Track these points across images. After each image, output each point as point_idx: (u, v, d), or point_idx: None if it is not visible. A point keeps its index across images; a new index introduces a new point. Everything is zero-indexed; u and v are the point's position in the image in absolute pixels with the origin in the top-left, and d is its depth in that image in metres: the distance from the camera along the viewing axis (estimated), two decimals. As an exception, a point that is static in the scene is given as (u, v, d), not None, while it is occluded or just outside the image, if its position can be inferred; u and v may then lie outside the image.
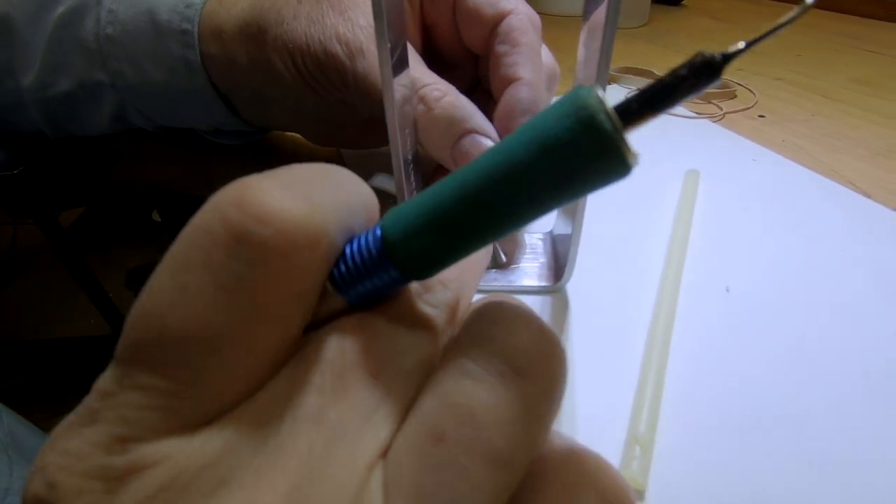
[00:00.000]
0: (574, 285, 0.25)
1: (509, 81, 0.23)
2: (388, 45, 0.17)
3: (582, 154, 0.09)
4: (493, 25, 0.24)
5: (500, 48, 0.24)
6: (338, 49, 0.24)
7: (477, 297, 0.17)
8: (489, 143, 0.22)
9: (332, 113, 0.29)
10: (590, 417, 0.20)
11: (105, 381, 0.09)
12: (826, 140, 0.39)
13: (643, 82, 0.47)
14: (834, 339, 0.23)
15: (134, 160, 0.46)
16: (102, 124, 0.37)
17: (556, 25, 0.68)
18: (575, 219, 0.22)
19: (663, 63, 0.53)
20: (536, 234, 0.28)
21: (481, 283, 0.25)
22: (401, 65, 0.20)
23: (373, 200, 0.12)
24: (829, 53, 0.56)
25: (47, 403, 1.41)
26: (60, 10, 0.32)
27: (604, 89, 0.18)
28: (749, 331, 0.23)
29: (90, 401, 0.09)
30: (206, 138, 0.38)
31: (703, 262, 0.27)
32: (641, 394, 0.20)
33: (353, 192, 0.11)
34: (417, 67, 0.23)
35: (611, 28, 0.18)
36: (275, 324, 0.09)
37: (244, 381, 0.09)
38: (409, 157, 0.22)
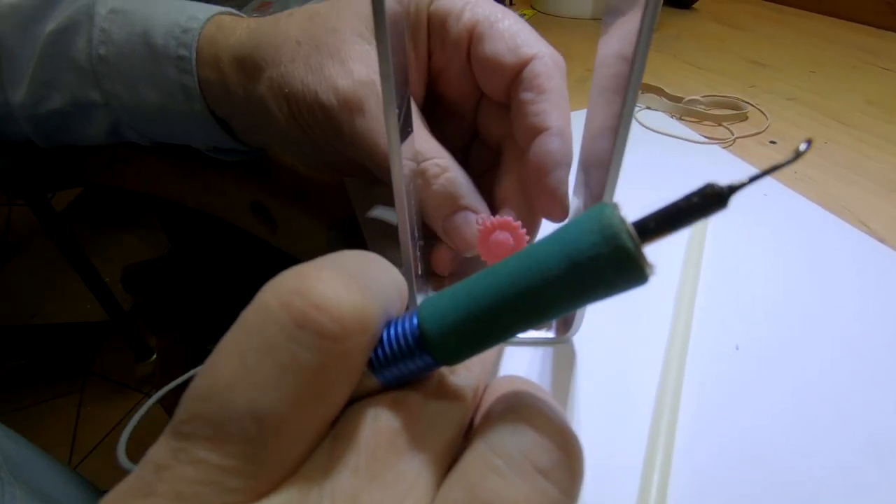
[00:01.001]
0: (579, 335, 0.24)
1: (538, 131, 0.22)
2: (397, 112, 0.16)
3: (606, 268, 0.10)
4: (515, 73, 0.23)
5: (526, 96, 0.22)
6: (335, 104, 0.23)
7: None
8: (473, 219, 0.22)
9: (326, 154, 0.28)
10: (598, 480, 0.19)
11: (159, 453, 0.10)
12: (839, 171, 0.38)
13: (654, 100, 0.45)
14: (847, 398, 0.22)
15: (126, 168, 0.45)
16: (96, 138, 0.36)
17: (559, 28, 0.67)
18: None
19: (673, 77, 0.52)
20: None
21: None
22: (406, 128, 0.18)
23: (404, 285, 0.13)
24: (844, 70, 0.54)
25: (43, 387, 1.41)
26: (51, 26, 0.31)
27: (631, 112, 0.17)
28: (759, 390, 0.23)
29: (144, 472, 0.10)
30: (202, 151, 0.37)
31: (712, 315, 0.26)
32: (651, 458, 0.20)
33: (391, 278, 0.13)
34: (419, 134, 0.22)
35: (644, 43, 0.15)
36: (327, 403, 0.10)
37: (294, 458, 0.10)
38: (415, 223, 0.21)
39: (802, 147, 0.11)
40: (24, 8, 0.31)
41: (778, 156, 0.40)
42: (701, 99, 0.46)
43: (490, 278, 0.11)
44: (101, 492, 0.43)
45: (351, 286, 0.10)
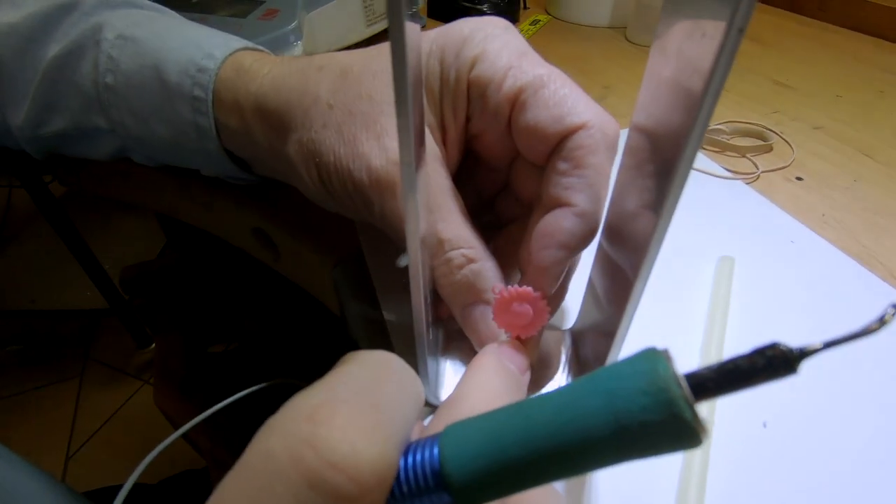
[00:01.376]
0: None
1: (559, 205, 0.20)
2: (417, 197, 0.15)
3: (659, 434, 0.09)
4: (557, 141, 0.21)
5: (561, 166, 0.20)
6: (367, 183, 0.22)
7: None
8: (491, 315, 0.21)
9: (353, 216, 0.27)
10: None
11: None
12: (869, 217, 0.36)
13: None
14: (885, 478, 0.21)
15: (126, 182, 0.43)
16: (100, 158, 0.35)
17: (575, 35, 0.64)
18: (620, 325, 0.19)
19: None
20: (553, 328, 0.26)
21: None
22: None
23: (423, 396, 0.13)
24: (872, 96, 0.52)
25: (43, 372, 1.41)
26: (54, 50, 0.29)
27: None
28: (788, 470, 0.21)
29: None
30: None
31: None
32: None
33: (408, 393, 0.12)
34: (450, 219, 0.21)
35: (720, 77, 0.12)
36: None
37: None
38: (429, 304, 0.20)
39: (890, 312, 0.10)
40: (21, 28, 0.29)
41: (806, 195, 0.38)
42: (724, 128, 0.44)
43: (524, 424, 0.10)
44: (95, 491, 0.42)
45: (369, 433, 0.10)
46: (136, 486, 0.64)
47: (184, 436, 0.70)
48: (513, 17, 0.68)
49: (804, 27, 0.70)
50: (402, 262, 0.30)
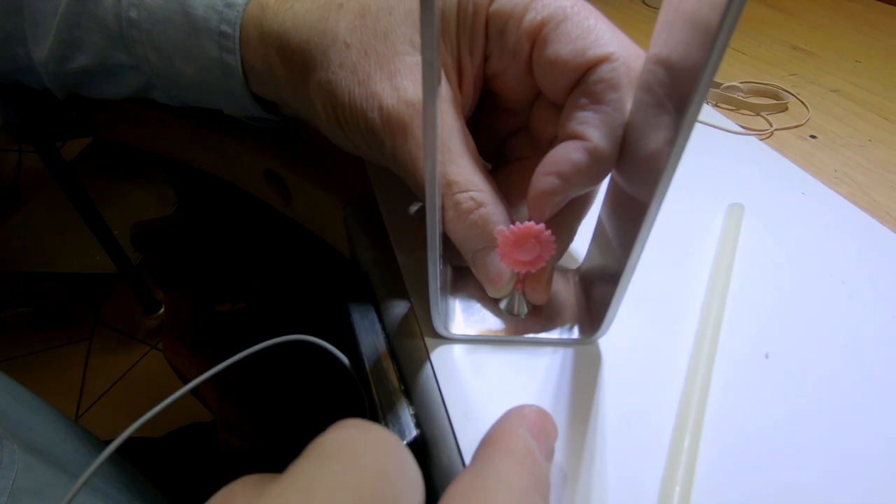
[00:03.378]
0: (605, 337, 0.23)
1: (572, 137, 0.20)
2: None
3: None
4: (579, 75, 0.20)
5: (580, 101, 0.20)
6: (378, 122, 0.22)
7: (496, 349, 0.22)
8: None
9: (367, 156, 0.27)
10: (618, 486, 0.19)
11: None
12: (881, 174, 0.36)
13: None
14: (882, 411, 0.21)
15: (138, 127, 0.43)
16: (122, 96, 0.35)
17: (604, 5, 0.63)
18: (626, 266, 0.19)
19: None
20: (562, 270, 0.26)
21: (500, 335, 0.23)
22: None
23: (422, 492, 0.13)
24: (893, 64, 0.51)
25: (52, 334, 1.43)
26: None
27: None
28: (788, 400, 0.22)
29: None
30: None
31: (742, 321, 0.25)
32: (674, 465, 0.19)
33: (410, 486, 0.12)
34: (460, 162, 0.21)
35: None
36: None
37: None
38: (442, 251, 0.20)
39: None
40: None
41: (819, 153, 0.38)
42: (740, 85, 0.44)
43: None
44: (104, 443, 0.43)
45: None
46: (140, 439, 0.66)
47: (194, 392, 0.71)
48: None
49: (823, -4, 0.68)
50: (413, 209, 0.31)
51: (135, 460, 0.39)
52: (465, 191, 0.21)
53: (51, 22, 0.30)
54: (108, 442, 0.18)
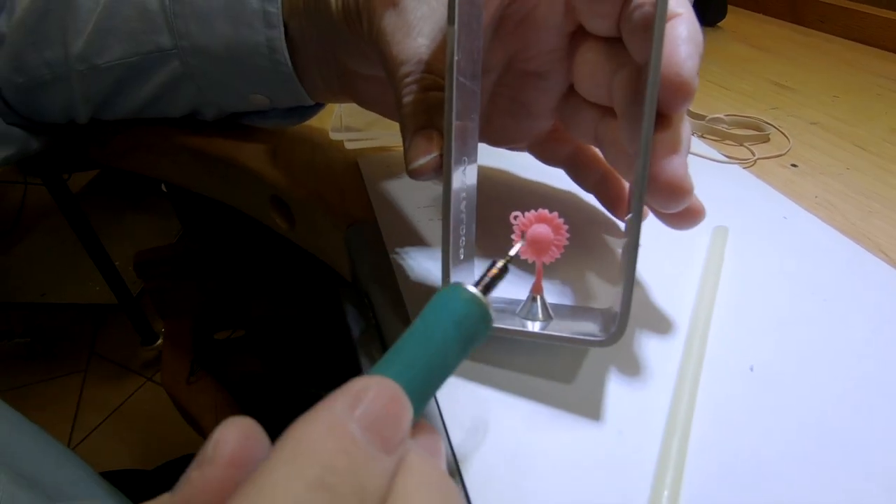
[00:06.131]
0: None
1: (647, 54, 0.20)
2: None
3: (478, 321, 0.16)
4: None
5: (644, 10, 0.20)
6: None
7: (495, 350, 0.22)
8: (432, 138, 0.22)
9: (357, 61, 0.29)
10: (606, 499, 0.19)
11: None
12: (860, 200, 0.37)
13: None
14: (861, 427, 0.22)
15: (148, 155, 0.45)
16: (149, 98, 0.36)
17: None
18: (626, 269, 0.20)
19: (696, 95, 0.52)
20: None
21: (530, 331, 0.23)
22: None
23: None
24: (868, 98, 0.54)
25: (48, 365, 1.41)
26: None
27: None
28: (773, 412, 0.22)
29: None
30: (235, 129, 0.37)
31: (727, 335, 0.26)
32: (660, 479, 0.20)
33: None
34: (438, 51, 0.23)
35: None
36: None
37: None
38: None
39: None
40: None
41: (800, 180, 0.40)
42: (724, 118, 0.46)
43: (423, 352, 0.15)
44: (98, 474, 0.43)
45: None
46: (133, 471, 0.65)
47: (190, 421, 0.71)
48: None
49: (805, 37, 0.72)
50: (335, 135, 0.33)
51: (127, 492, 0.39)
52: (414, 72, 0.22)
53: (92, 15, 0.33)
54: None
